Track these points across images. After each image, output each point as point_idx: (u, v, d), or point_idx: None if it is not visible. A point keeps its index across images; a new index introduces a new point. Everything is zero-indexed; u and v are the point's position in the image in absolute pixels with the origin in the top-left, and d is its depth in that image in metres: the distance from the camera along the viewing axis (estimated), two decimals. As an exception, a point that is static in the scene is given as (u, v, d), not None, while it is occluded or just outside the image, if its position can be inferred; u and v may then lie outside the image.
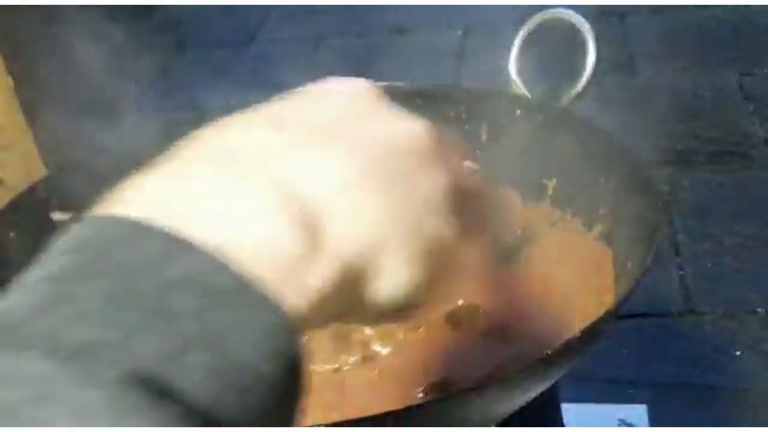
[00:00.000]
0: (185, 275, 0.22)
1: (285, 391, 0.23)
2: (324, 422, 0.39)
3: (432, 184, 0.31)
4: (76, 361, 0.20)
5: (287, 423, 0.24)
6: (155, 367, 0.20)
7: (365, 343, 0.55)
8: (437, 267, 0.30)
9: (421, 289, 0.30)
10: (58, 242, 0.24)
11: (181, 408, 0.20)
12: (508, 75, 0.70)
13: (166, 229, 0.23)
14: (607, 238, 0.60)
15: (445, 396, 0.39)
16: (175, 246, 0.23)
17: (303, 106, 0.31)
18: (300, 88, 0.33)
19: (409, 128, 0.32)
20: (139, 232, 0.23)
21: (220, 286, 0.23)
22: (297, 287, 0.25)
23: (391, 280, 0.28)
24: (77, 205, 0.66)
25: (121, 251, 0.23)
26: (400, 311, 0.30)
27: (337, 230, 0.26)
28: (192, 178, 0.26)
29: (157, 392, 0.20)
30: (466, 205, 0.32)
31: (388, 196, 0.28)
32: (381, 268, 0.28)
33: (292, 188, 0.26)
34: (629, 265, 0.54)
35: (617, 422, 0.92)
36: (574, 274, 0.59)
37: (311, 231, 0.26)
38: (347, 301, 0.28)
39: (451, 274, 0.32)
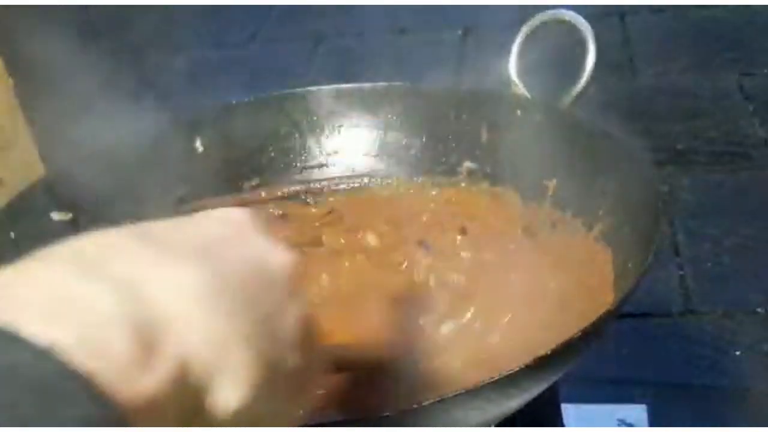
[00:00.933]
0: (8, 366, 0.22)
1: None
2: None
3: (289, 313, 0.32)
4: None
5: None
6: None
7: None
8: (278, 391, 0.31)
9: (257, 408, 0.30)
10: None
11: None
12: (508, 75, 0.70)
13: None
14: (607, 238, 0.60)
15: (445, 396, 0.39)
16: (2, 337, 0.23)
17: (175, 227, 0.31)
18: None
19: (276, 256, 0.32)
20: None
21: (42, 376, 0.23)
22: (126, 390, 0.25)
23: (224, 400, 0.28)
24: (77, 205, 0.66)
25: None
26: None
27: (177, 340, 0.26)
28: (36, 275, 0.26)
29: None
30: (308, 340, 0.33)
31: (239, 316, 0.29)
32: (216, 386, 0.28)
33: (138, 292, 0.26)
34: (629, 265, 0.54)
35: (617, 422, 0.92)
36: (574, 274, 0.59)
37: (150, 337, 0.26)
38: (184, 409, 0.27)
39: (293, 396, 0.32)
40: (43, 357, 0.23)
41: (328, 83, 0.76)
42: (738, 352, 1.11)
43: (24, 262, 0.27)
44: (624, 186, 0.58)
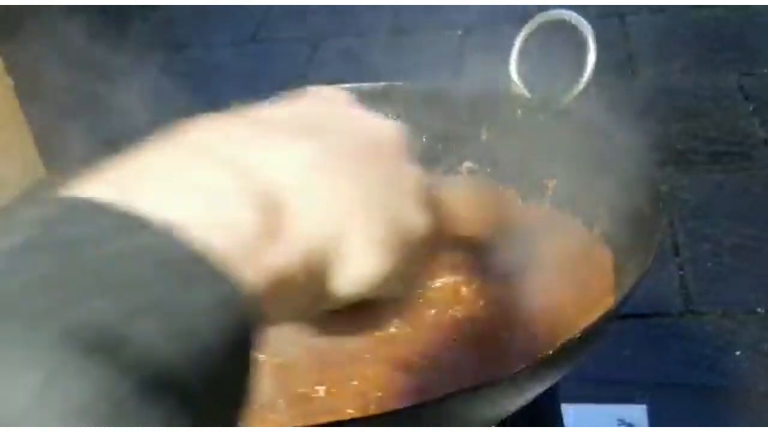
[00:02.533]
0: (137, 248, 0.22)
1: (235, 363, 0.23)
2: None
3: (407, 175, 0.31)
4: (25, 318, 0.20)
5: (239, 397, 0.23)
6: (104, 325, 0.20)
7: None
8: (405, 258, 0.30)
9: (388, 280, 0.29)
10: (16, 218, 0.24)
11: (130, 360, 0.20)
12: (508, 75, 0.70)
13: (121, 207, 0.23)
14: (607, 238, 0.60)
15: (445, 396, 0.39)
16: (129, 221, 0.23)
17: (277, 107, 0.31)
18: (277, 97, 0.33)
19: (382, 126, 0.32)
20: (93, 209, 0.23)
21: (172, 257, 0.23)
22: (255, 266, 0.24)
23: (356, 267, 0.28)
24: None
25: (75, 226, 0.23)
26: (361, 309, 0.30)
27: (300, 211, 0.26)
28: (154, 162, 0.26)
29: (106, 344, 0.20)
30: (432, 207, 0.33)
31: (358, 179, 0.29)
32: (346, 253, 0.28)
33: (254, 170, 0.26)
34: (629, 265, 0.54)
35: (617, 422, 0.92)
36: (574, 275, 0.59)
37: (272, 211, 0.26)
38: (309, 288, 0.27)
39: (417, 268, 0.32)
40: (168, 237, 0.23)
41: (328, 83, 0.76)
42: (738, 352, 1.12)
43: (135, 152, 0.27)
44: (624, 186, 0.58)
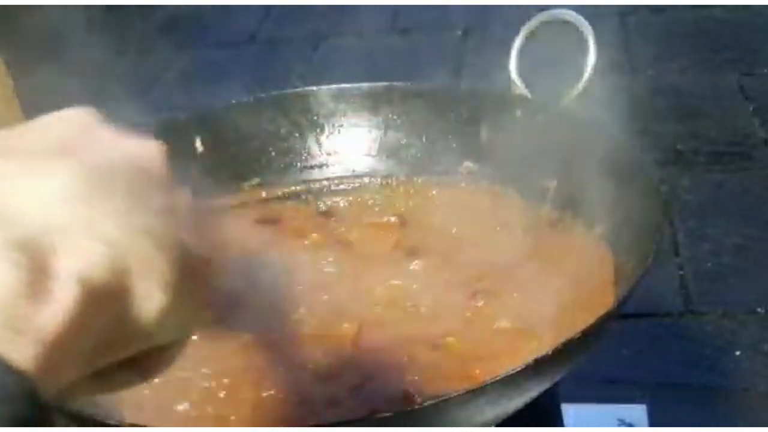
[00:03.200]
0: None
1: None
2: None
3: (176, 199, 0.29)
4: None
5: None
6: None
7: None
8: (187, 290, 0.28)
9: (176, 314, 0.28)
10: None
11: None
12: (508, 75, 0.70)
13: None
14: (607, 238, 0.60)
15: (445, 396, 0.39)
16: None
17: (25, 132, 0.28)
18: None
19: (142, 146, 0.30)
20: None
21: None
22: (27, 334, 0.22)
23: (148, 299, 0.26)
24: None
25: None
26: (168, 329, 0.28)
27: (67, 252, 0.24)
28: None
29: None
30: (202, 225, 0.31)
31: (126, 207, 0.26)
32: (130, 291, 0.26)
33: (8, 212, 0.23)
34: (630, 265, 0.54)
35: (617, 422, 0.91)
36: (574, 275, 0.59)
37: (35, 263, 0.23)
38: (105, 323, 0.25)
39: (197, 300, 0.30)
40: None
41: (328, 83, 0.76)
42: (738, 352, 1.12)
43: None
44: (624, 186, 0.58)
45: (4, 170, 0.25)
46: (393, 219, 0.70)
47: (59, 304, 0.23)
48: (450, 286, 0.61)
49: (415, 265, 0.64)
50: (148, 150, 0.30)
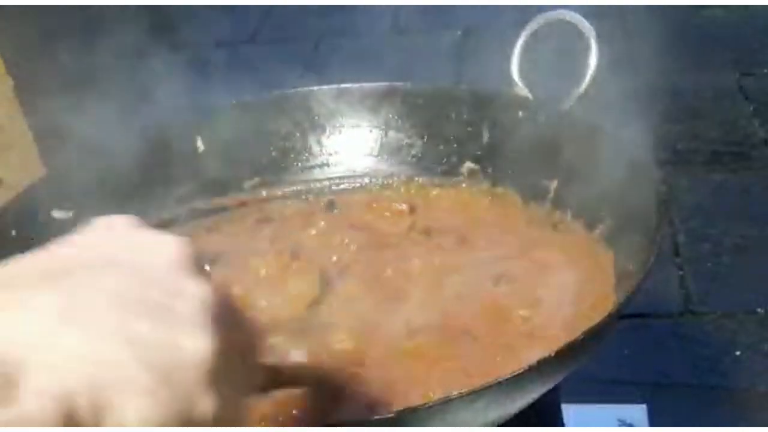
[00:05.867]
0: None
1: None
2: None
3: (184, 297, 0.30)
4: None
5: None
6: None
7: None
8: (188, 389, 0.29)
9: (175, 413, 0.28)
10: None
11: None
12: (510, 76, 0.70)
13: None
14: (608, 239, 0.60)
15: (446, 397, 0.39)
16: None
17: (38, 256, 0.30)
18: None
19: (160, 245, 0.31)
20: None
21: None
22: None
23: (127, 416, 0.27)
24: (76, 204, 0.66)
25: None
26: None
27: (39, 369, 0.25)
28: None
29: None
30: (224, 313, 0.31)
31: (119, 322, 0.27)
32: (109, 404, 0.26)
33: None
34: (630, 266, 0.54)
35: (617, 422, 0.91)
36: (575, 276, 0.59)
37: (7, 376, 0.25)
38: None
39: (210, 387, 0.30)
40: None
41: (328, 83, 0.76)
42: (738, 352, 1.12)
43: None
44: (625, 186, 0.58)
45: None
46: (403, 206, 0.70)
47: (24, 411, 0.25)
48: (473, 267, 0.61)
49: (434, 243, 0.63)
50: (165, 247, 0.31)
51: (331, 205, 0.72)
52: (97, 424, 0.26)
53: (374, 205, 0.70)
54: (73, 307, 0.27)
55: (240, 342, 0.32)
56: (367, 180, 0.75)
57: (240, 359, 0.32)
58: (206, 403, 0.29)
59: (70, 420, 0.25)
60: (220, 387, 0.30)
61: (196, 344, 0.29)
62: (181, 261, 0.31)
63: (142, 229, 0.32)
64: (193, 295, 0.30)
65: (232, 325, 0.31)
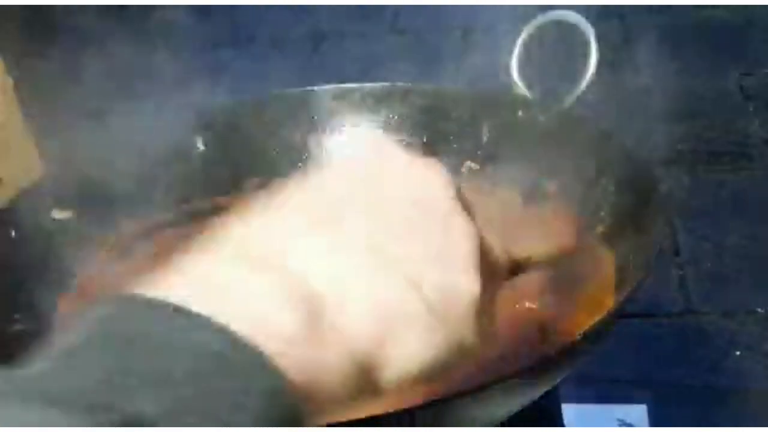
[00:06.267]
0: (188, 343, 0.24)
1: None
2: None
3: (457, 236, 0.31)
4: (76, 409, 0.21)
5: None
6: (152, 420, 0.21)
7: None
8: (459, 328, 0.30)
9: (441, 355, 0.30)
10: (86, 317, 0.25)
11: None
12: (510, 76, 0.70)
13: (175, 306, 0.25)
14: (607, 239, 0.60)
15: (446, 397, 0.39)
16: (182, 319, 0.24)
17: (318, 182, 0.32)
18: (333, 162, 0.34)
19: (427, 176, 0.32)
20: (150, 309, 0.25)
21: (219, 352, 0.24)
22: (299, 369, 0.25)
23: (404, 358, 0.28)
24: (76, 204, 0.66)
25: (130, 323, 0.24)
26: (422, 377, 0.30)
27: (343, 310, 0.27)
28: (213, 271, 0.27)
29: None
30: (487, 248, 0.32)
31: (401, 260, 0.29)
32: (392, 351, 0.28)
33: (297, 271, 0.27)
34: (630, 266, 0.54)
35: (617, 422, 0.91)
36: (575, 276, 0.59)
37: (314, 314, 0.27)
38: (353, 383, 0.28)
39: (474, 326, 0.31)
40: (223, 336, 0.24)
41: (328, 83, 0.76)
42: (738, 352, 1.11)
43: (183, 260, 0.28)
44: (624, 186, 0.58)
45: (294, 232, 0.29)
46: None
47: (325, 351, 0.26)
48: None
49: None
50: (432, 178, 0.32)
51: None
52: (377, 356, 0.28)
53: None
54: (370, 246, 0.29)
55: (493, 275, 0.33)
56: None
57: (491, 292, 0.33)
58: (471, 339, 0.31)
59: (353, 357, 0.27)
60: (482, 321, 0.31)
61: (472, 286, 0.30)
62: (450, 193, 0.32)
63: (403, 152, 0.33)
64: (465, 233, 0.31)
65: (488, 262, 0.32)
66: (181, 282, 0.26)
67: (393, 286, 0.28)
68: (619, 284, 0.55)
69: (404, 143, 0.75)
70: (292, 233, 0.29)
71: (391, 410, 0.39)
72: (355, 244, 0.29)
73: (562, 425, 0.66)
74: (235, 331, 0.24)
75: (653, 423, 0.92)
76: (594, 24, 0.65)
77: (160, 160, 0.71)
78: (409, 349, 0.28)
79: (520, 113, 0.69)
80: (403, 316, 0.28)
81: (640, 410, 0.93)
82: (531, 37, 0.69)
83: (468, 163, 0.72)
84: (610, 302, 0.53)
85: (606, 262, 0.58)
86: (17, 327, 0.56)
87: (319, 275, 0.27)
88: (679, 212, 1.37)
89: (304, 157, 0.76)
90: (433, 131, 0.74)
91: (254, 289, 0.26)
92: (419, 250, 0.29)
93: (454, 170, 0.73)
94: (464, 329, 0.30)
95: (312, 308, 0.27)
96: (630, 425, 0.91)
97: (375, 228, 0.29)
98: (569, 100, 0.66)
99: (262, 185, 0.74)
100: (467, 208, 0.32)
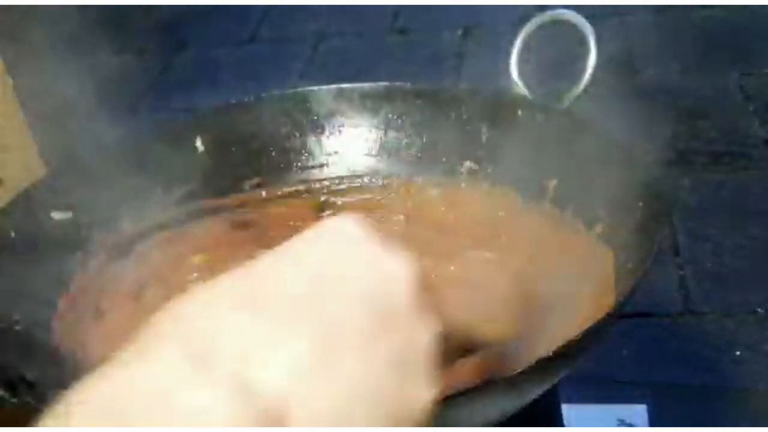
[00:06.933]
0: None
1: None
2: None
3: (418, 339, 0.30)
4: None
5: None
6: None
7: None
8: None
9: None
10: None
11: None
12: (509, 75, 0.70)
13: None
14: (607, 238, 0.60)
15: (445, 396, 0.39)
16: None
17: (284, 270, 0.29)
18: (295, 239, 0.31)
19: (394, 272, 0.30)
20: None
21: None
22: None
23: None
24: (77, 204, 0.66)
25: None
26: None
27: (296, 426, 0.26)
28: (140, 378, 0.25)
29: None
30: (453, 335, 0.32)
31: (362, 369, 0.28)
32: None
33: (253, 384, 0.25)
34: (629, 265, 0.54)
35: (617, 422, 0.92)
36: (574, 275, 0.59)
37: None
38: None
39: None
40: None
41: (328, 83, 0.76)
42: (738, 352, 1.12)
43: (126, 358, 0.25)
44: (624, 186, 0.58)
45: (252, 331, 0.27)
46: (400, 217, 0.70)
47: None
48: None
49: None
50: (398, 273, 0.30)
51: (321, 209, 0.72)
52: None
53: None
54: (329, 350, 0.27)
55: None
56: (366, 180, 0.75)
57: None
58: None
59: None
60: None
61: (425, 396, 0.30)
62: (416, 291, 0.30)
63: (372, 241, 0.31)
64: (426, 337, 0.30)
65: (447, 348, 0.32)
66: (112, 398, 0.24)
67: (353, 406, 0.27)
68: (618, 283, 0.55)
69: (403, 143, 0.75)
70: (247, 334, 0.27)
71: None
72: (308, 350, 0.27)
73: (562, 425, 0.66)
74: None
75: (653, 423, 0.92)
76: (592, 23, 0.65)
77: (160, 160, 0.71)
78: None
79: (519, 113, 0.69)
80: (365, 415, 0.28)
81: (640, 410, 0.93)
82: (530, 37, 0.69)
83: (467, 162, 0.72)
84: (609, 302, 0.53)
85: (605, 261, 0.58)
86: (17, 327, 0.56)
87: (276, 388, 0.26)
88: (679, 212, 1.37)
89: (304, 157, 0.76)
90: (433, 131, 0.74)
91: (203, 411, 0.24)
92: (375, 358, 0.28)
93: (454, 170, 0.73)
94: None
95: (274, 421, 0.25)
96: (630, 425, 0.91)
97: (329, 332, 0.28)
98: (568, 99, 0.66)
99: (262, 185, 0.75)
100: (435, 298, 0.31)
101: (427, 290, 0.31)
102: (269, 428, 0.25)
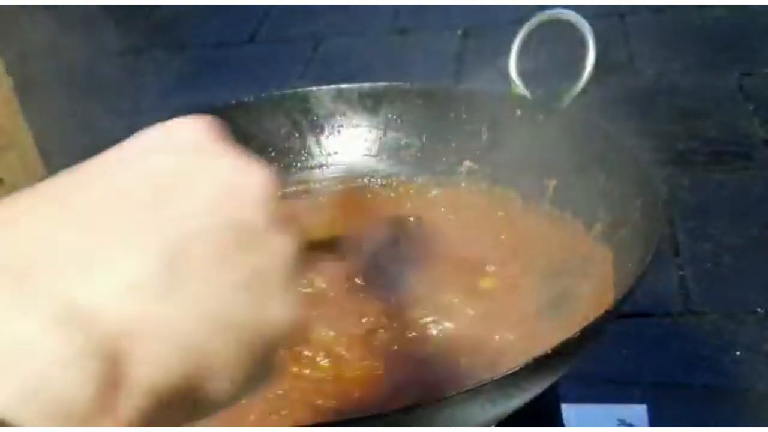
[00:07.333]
0: None
1: None
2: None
3: (273, 254, 0.27)
4: None
5: None
6: None
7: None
8: (271, 352, 0.27)
9: (265, 371, 0.27)
10: None
11: None
12: (508, 75, 0.70)
13: None
14: (607, 238, 0.60)
15: (445, 396, 0.39)
16: None
17: (115, 173, 0.26)
18: (134, 137, 0.28)
19: (244, 180, 0.27)
20: None
21: None
22: None
23: (222, 390, 0.26)
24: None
25: None
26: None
27: (141, 360, 0.23)
28: None
29: None
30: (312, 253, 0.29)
31: (211, 292, 0.25)
32: (206, 381, 0.25)
33: (83, 316, 0.22)
34: (629, 265, 0.54)
35: (617, 422, 0.91)
36: (574, 275, 0.59)
37: (107, 370, 0.22)
38: (175, 414, 0.25)
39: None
40: None
41: (328, 83, 0.76)
42: (738, 352, 1.11)
43: None
44: (624, 186, 0.58)
45: (77, 249, 0.23)
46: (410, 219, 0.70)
47: (119, 420, 0.22)
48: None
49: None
50: (250, 181, 0.27)
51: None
52: (179, 409, 0.25)
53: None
54: (174, 270, 0.24)
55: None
56: (366, 180, 0.75)
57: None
58: (273, 367, 0.28)
59: (158, 409, 0.24)
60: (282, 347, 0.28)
61: (288, 317, 0.27)
62: (270, 204, 0.27)
63: (224, 149, 0.28)
64: (284, 254, 0.27)
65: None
66: None
67: (206, 334, 0.25)
68: (618, 282, 0.55)
69: (402, 143, 0.75)
70: (76, 253, 0.23)
71: (389, 410, 0.39)
72: (148, 271, 0.24)
73: (562, 425, 0.66)
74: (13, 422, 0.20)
75: (653, 423, 0.92)
76: (592, 23, 0.65)
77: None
78: (224, 386, 0.26)
79: (518, 112, 0.69)
80: (214, 367, 0.25)
81: (640, 410, 0.93)
82: (529, 37, 0.69)
83: (467, 162, 0.72)
84: (608, 301, 0.53)
85: (605, 261, 0.58)
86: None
87: (111, 316, 0.23)
88: (679, 212, 1.37)
89: (303, 158, 0.76)
90: (433, 131, 0.74)
91: (28, 345, 0.21)
92: (225, 280, 0.25)
93: (454, 170, 0.73)
94: (272, 355, 0.27)
95: (106, 367, 0.22)
96: (630, 425, 0.91)
97: (175, 249, 0.24)
98: (567, 99, 0.66)
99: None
100: (291, 212, 0.28)
101: (281, 200, 0.28)
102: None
